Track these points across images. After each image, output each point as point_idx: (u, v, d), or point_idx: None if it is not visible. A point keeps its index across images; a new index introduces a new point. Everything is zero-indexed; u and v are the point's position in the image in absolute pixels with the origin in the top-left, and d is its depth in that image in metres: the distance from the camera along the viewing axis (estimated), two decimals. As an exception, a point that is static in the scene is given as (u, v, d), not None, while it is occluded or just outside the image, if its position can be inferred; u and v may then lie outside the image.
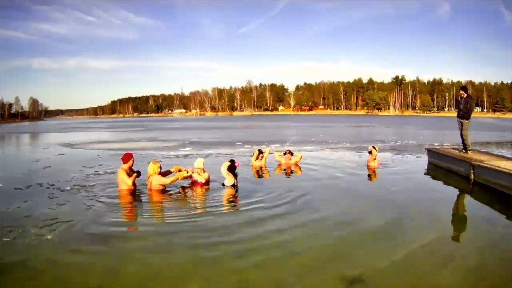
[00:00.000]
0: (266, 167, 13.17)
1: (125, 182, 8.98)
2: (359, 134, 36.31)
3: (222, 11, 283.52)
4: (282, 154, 13.93)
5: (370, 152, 13.17)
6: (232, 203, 8.22)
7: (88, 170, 12.73)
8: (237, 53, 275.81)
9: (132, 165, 9.29)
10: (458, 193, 9.93)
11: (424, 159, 15.09)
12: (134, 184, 9.08)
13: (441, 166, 13.14)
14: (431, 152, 14.37)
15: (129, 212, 7.81)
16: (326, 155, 17.34)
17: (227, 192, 8.97)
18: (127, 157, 9.22)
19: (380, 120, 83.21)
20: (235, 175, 9.36)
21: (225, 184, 9.26)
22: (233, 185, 9.23)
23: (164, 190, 9.09)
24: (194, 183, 9.45)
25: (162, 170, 9.39)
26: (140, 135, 37.50)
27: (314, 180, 10.89)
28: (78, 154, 18.61)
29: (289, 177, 11.78)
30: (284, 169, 12.97)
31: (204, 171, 9.45)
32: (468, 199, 9.39)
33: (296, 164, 13.59)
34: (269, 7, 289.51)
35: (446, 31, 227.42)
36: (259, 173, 12.31)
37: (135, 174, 9.12)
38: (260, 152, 13.46)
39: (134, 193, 8.95)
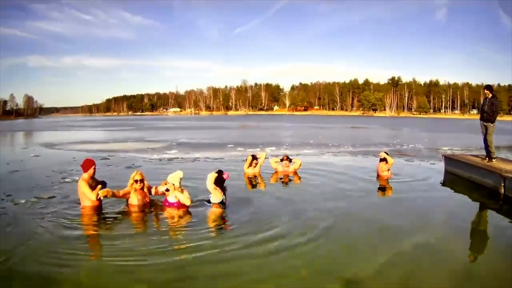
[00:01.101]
0: (260, 176, 11.63)
1: (87, 197, 7.34)
2: (359, 136, 34.85)
3: (218, 11, 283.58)
4: (279, 160, 12.25)
5: (382, 160, 11.52)
6: (218, 227, 6.62)
7: (55, 177, 11.15)
8: (233, 53, 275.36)
9: (94, 174, 7.63)
10: (486, 210, 8.45)
11: (438, 167, 13.54)
12: (99, 199, 7.34)
13: (461, 176, 11.62)
14: (449, 160, 12.73)
15: (86, 243, 5.99)
16: (328, 160, 15.70)
17: (213, 212, 7.34)
18: (87, 165, 7.55)
19: (377, 121, 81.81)
20: (223, 190, 7.72)
21: (211, 201, 7.60)
22: (221, 202, 7.57)
23: (144, 206, 7.52)
24: (168, 205, 7.43)
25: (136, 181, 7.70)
26: (128, 134, 36.01)
27: (316, 193, 9.31)
28: (54, 156, 17.00)
29: (287, 188, 10.17)
30: (281, 178, 11.38)
31: (181, 189, 7.39)
32: (498, 218, 7.82)
33: (295, 172, 12.02)
34: (265, 7, 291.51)
35: (442, 33, 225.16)
36: (252, 183, 10.75)
37: (99, 187, 7.41)
38: (254, 158, 11.89)
39: (99, 212, 7.33)
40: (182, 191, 7.33)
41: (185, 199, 7.26)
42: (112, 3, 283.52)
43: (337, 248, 5.67)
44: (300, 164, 12.10)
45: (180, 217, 7.01)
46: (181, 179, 7.41)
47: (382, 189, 10.36)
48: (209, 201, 7.63)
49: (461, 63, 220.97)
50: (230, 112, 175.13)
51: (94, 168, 7.60)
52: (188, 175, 10.92)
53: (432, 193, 9.72)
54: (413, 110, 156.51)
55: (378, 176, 11.58)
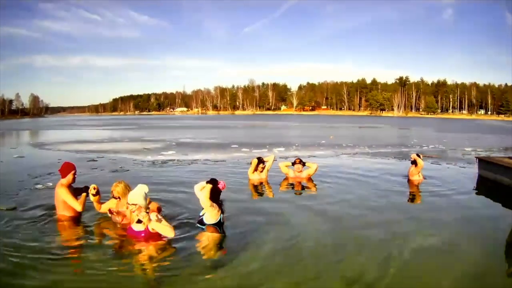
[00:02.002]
0: (268, 183, 9.90)
1: (71, 207, 6.07)
2: (373, 136, 33.01)
3: (226, 11, 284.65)
4: (290, 164, 10.46)
5: (413, 162, 10.02)
6: (215, 262, 4.64)
7: (29, 182, 9.59)
8: (240, 53, 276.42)
9: (74, 181, 6.23)
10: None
11: (470, 171, 11.85)
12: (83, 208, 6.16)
13: (497, 182, 9.91)
14: (484, 163, 10.93)
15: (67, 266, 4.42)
16: (346, 163, 14.01)
17: (207, 238, 5.29)
18: (65, 170, 6.19)
19: (386, 121, 79.86)
20: (220, 205, 5.60)
21: (205, 222, 5.51)
22: (218, 223, 5.54)
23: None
24: (132, 234, 5.19)
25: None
26: (127, 133, 34.55)
27: (336, 204, 7.64)
28: (38, 158, 15.57)
29: (301, 199, 8.40)
30: (292, 186, 9.72)
31: (147, 212, 5.07)
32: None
33: (309, 178, 10.27)
34: (273, 8, 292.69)
35: (449, 33, 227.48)
36: (259, 192, 9.12)
37: (84, 195, 6.10)
38: (260, 161, 10.10)
39: (79, 223, 6.02)
40: (158, 219, 4.97)
41: (167, 230, 4.95)
42: (119, 2, 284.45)
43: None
44: (316, 169, 10.31)
45: (161, 249, 4.90)
46: (146, 194, 5.18)
47: (411, 197, 8.80)
48: (201, 222, 5.57)
49: (468, 63, 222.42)
50: (237, 112, 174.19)
51: (74, 174, 6.20)
52: (179, 183, 9.40)
53: (469, 202, 8.16)
54: (421, 110, 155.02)
55: (409, 180, 10.12)
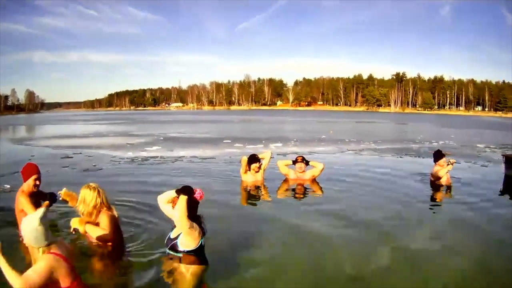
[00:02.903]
0: (264, 186, 8.47)
1: None
2: (376, 131, 31.70)
3: (222, 6, 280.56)
4: (291, 162, 8.96)
5: (436, 157, 8.66)
6: None
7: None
8: (236, 48, 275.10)
9: (37, 186, 4.93)
10: None
11: (492, 170, 10.69)
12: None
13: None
14: (512, 162, 9.62)
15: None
16: (352, 161, 12.82)
17: (184, 272, 3.82)
18: (27, 172, 4.95)
19: (384, 116, 78.75)
20: (199, 223, 4.00)
21: (180, 248, 3.89)
22: (198, 249, 3.92)
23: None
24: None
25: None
26: (115, 128, 33.28)
27: (349, 214, 6.30)
28: (10, 154, 14.20)
29: (304, 207, 6.96)
30: (294, 189, 8.32)
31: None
32: None
33: (313, 180, 8.82)
34: (269, 3, 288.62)
35: (447, 30, 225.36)
36: (252, 197, 7.79)
37: (46, 203, 4.83)
38: (254, 159, 8.50)
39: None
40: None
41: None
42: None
43: None
44: (322, 169, 8.80)
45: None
46: (45, 230, 3.05)
47: (435, 205, 7.42)
48: (173, 248, 3.93)
49: (465, 60, 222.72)
50: (232, 107, 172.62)
51: (36, 180, 4.92)
52: (155, 186, 7.98)
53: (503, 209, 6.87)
54: (417, 106, 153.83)
55: (434, 182, 8.68)
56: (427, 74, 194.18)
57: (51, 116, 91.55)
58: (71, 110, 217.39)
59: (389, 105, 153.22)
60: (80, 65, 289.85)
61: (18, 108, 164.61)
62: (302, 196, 7.85)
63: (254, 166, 8.46)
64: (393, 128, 35.76)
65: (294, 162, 8.84)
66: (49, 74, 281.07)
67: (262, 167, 8.62)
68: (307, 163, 8.82)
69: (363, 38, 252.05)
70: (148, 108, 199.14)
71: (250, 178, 8.55)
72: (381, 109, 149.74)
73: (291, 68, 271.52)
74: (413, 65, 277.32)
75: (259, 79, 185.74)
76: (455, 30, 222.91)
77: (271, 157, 8.99)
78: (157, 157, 13.09)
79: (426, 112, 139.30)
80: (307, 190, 8.26)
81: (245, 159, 8.47)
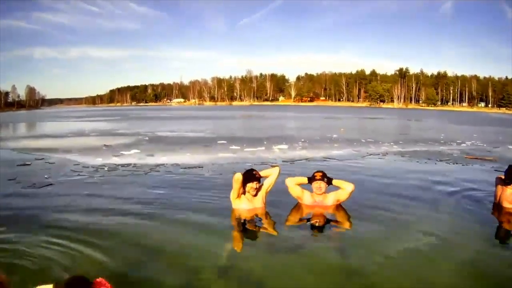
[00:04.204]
0: (266, 215, 6.04)
1: None
2: (390, 129, 29.53)
3: (223, 2, 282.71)
4: (306, 180, 6.37)
5: (506, 180, 6.27)
6: None
7: None
8: (238, 44, 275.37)
9: None
10: None
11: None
12: None
13: None
14: None
15: None
16: (380, 171, 10.36)
17: None
18: None
19: (389, 112, 76.63)
20: None
21: None
22: None
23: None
24: None
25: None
26: (102, 126, 31.84)
27: (398, 263, 4.33)
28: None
29: (331, 255, 4.67)
30: (309, 220, 5.88)
31: None
32: None
33: (337, 206, 6.31)
34: None
35: (449, 25, 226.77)
36: (248, 238, 5.42)
37: None
38: (251, 176, 5.94)
39: None
40: None
41: None
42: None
43: None
44: (351, 192, 6.21)
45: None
46: None
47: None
48: None
49: (468, 55, 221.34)
50: (234, 103, 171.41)
51: None
52: (103, 213, 6.31)
53: None
54: (421, 102, 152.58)
55: (498, 205, 6.44)
56: (430, 69, 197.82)
57: (48, 112, 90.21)
58: (72, 106, 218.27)
59: (392, 101, 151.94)
60: (81, 60, 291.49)
61: (18, 105, 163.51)
62: (322, 233, 5.51)
63: (251, 186, 5.94)
64: (406, 125, 33.62)
65: (311, 180, 6.25)
66: (50, 70, 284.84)
67: (264, 188, 6.17)
68: (329, 181, 6.23)
69: (365, 33, 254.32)
70: (150, 103, 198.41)
71: (245, 204, 6.05)
72: (384, 105, 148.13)
73: (293, 63, 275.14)
74: (416, 60, 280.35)
75: (261, 74, 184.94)
76: (458, 26, 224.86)
77: (278, 175, 6.28)
78: (129, 165, 10.91)
79: (429, 108, 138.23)
80: (331, 222, 5.82)
81: (238, 177, 5.84)
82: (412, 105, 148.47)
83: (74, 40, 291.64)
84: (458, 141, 18.38)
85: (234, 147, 14.79)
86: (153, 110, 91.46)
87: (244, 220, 5.88)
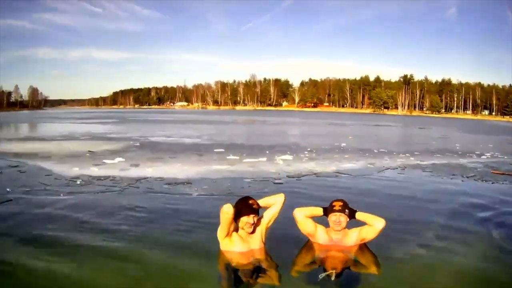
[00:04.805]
0: (267, 258, 4.47)
1: None
2: (401, 137, 28.06)
3: (228, 6, 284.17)
4: (321, 212, 4.78)
5: None
6: None
7: None
8: (242, 48, 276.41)
9: None
10: None
11: None
12: None
13: None
14: None
15: None
16: (408, 190, 8.84)
17: None
18: None
19: (395, 119, 75.15)
20: None
21: None
22: None
23: None
24: None
25: None
26: (96, 128, 30.88)
27: None
28: None
29: None
30: (324, 268, 4.15)
31: None
32: None
33: (362, 246, 4.76)
34: (275, 3, 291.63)
35: (453, 32, 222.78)
36: None
37: None
38: (246, 207, 4.38)
39: None
40: None
41: None
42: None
43: None
44: (381, 230, 4.63)
45: None
46: None
47: None
48: None
49: (472, 63, 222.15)
50: (238, 107, 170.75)
51: None
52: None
53: None
54: (425, 109, 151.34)
55: None
56: (435, 76, 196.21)
57: (49, 113, 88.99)
58: (75, 107, 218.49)
59: (396, 108, 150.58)
60: (84, 62, 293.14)
61: (21, 105, 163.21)
62: (341, 284, 3.97)
63: (246, 221, 4.40)
64: (417, 134, 32.08)
65: (328, 211, 4.71)
66: (53, 71, 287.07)
67: (264, 223, 4.63)
68: (351, 214, 4.69)
69: (370, 39, 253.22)
70: (153, 106, 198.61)
71: (238, 245, 4.46)
72: (388, 112, 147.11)
73: (297, 69, 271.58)
74: (421, 67, 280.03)
75: (265, 79, 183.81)
76: (462, 32, 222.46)
77: (282, 205, 4.64)
78: (106, 178, 9.47)
79: (434, 115, 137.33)
80: (353, 268, 4.36)
81: (228, 210, 4.17)
82: (416, 112, 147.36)
83: (77, 41, 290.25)
84: (476, 153, 16.98)
85: (231, 157, 13.27)
86: (154, 113, 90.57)
87: (236, 267, 4.26)
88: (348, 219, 4.67)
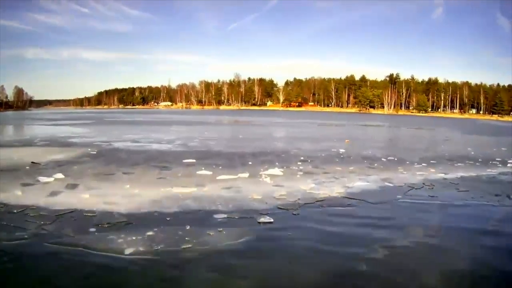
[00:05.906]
0: None
1: None
2: (403, 141, 24.93)
3: (215, 6, 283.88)
4: None
5: None
6: None
7: None
8: (228, 48, 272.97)
9: None
10: None
11: None
12: None
13: None
14: None
15: None
16: (448, 223, 6.82)
17: None
18: None
19: (383, 119, 73.02)
20: None
21: None
22: None
23: None
24: None
25: None
26: (64, 130, 28.31)
27: None
28: None
29: None
30: None
31: None
32: None
33: None
34: (262, 3, 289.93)
35: (440, 32, 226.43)
36: None
37: None
38: None
39: None
40: None
41: None
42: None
43: None
44: None
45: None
46: None
47: None
48: None
49: (460, 62, 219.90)
50: (222, 107, 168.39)
51: None
52: None
53: None
54: (411, 108, 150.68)
55: None
56: (421, 76, 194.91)
57: (30, 114, 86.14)
58: (60, 108, 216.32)
59: (382, 107, 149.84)
60: (71, 62, 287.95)
61: (6, 105, 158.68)
62: None
63: None
64: (417, 136, 29.47)
65: None
66: (41, 71, 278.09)
67: None
68: None
69: (356, 38, 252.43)
70: (137, 106, 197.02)
71: None
72: (373, 111, 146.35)
73: (282, 68, 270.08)
74: (407, 66, 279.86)
75: (249, 78, 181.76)
76: (449, 32, 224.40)
77: None
78: (24, 208, 6.99)
79: (420, 114, 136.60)
80: None
81: None
82: (403, 111, 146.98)
83: (65, 41, 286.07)
84: (497, 159, 14.64)
85: (203, 171, 10.38)
86: (136, 113, 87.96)
87: None
88: None
